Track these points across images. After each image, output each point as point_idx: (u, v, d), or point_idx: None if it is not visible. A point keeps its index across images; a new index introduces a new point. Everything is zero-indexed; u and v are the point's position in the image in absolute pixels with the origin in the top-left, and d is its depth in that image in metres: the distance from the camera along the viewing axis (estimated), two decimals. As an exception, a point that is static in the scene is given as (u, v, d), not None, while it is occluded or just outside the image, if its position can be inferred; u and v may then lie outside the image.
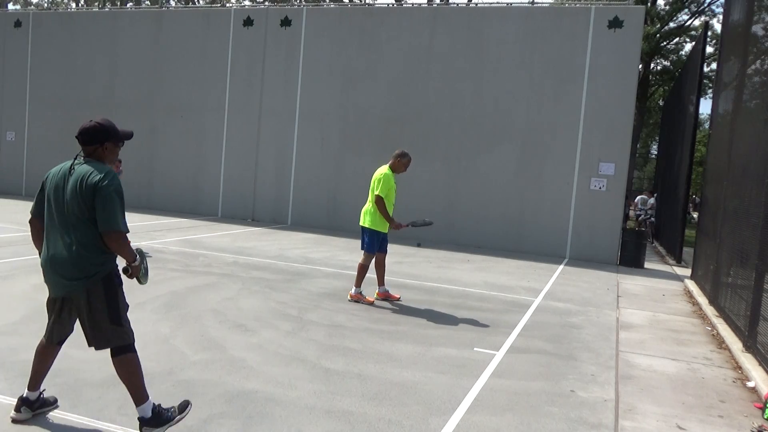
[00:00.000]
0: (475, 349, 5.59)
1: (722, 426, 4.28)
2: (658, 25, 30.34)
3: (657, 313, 8.01)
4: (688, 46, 32.64)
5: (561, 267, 11.41)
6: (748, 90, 8.02)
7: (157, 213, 15.19)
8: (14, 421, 3.46)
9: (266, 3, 18.34)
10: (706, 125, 30.92)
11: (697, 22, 31.89)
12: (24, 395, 3.52)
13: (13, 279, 6.97)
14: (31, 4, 39.53)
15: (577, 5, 13.36)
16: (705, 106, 77.70)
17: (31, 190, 17.71)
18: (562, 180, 12.82)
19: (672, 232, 15.41)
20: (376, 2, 18.80)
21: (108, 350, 3.37)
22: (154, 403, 3.43)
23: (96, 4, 36.56)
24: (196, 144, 15.79)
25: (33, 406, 3.51)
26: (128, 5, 32.13)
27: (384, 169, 7.13)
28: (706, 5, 31.08)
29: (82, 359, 4.52)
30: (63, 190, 3.25)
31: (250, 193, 15.34)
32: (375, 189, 7.06)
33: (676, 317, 7.87)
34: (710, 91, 21.52)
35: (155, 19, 16.43)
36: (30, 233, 3.49)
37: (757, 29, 7.89)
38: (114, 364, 3.36)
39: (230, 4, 16.94)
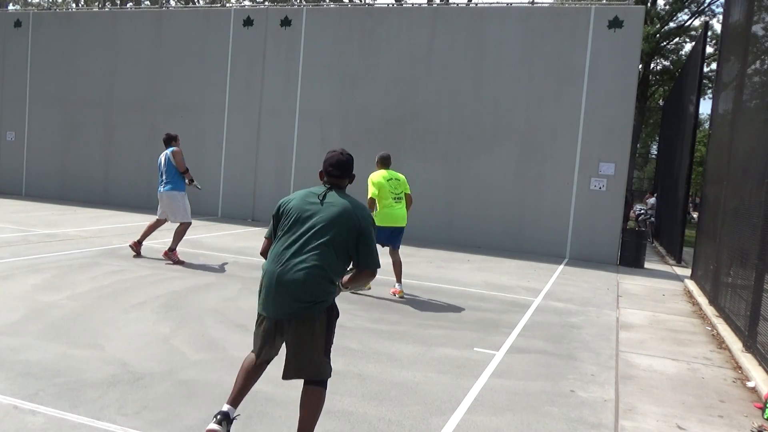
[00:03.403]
0: (475, 349, 5.59)
1: (722, 426, 4.28)
2: (658, 25, 30.33)
3: (657, 313, 8.01)
4: (688, 46, 32.65)
5: (561, 267, 11.41)
6: (748, 90, 8.02)
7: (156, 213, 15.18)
8: None
9: (266, 3, 18.33)
10: (706, 125, 30.91)
11: (697, 22, 31.92)
12: (225, 410, 3.25)
13: (13, 279, 6.97)
14: (31, 4, 39.51)
15: (577, 5, 13.35)
16: (705, 106, 77.69)
17: (31, 190, 17.72)
18: (562, 180, 12.81)
19: (672, 232, 15.41)
20: (376, 2, 18.81)
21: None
22: None
23: (96, 4, 36.55)
24: (196, 144, 15.77)
25: (230, 423, 3.26)
26: (128, 5, 32.13)
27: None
28: (706, 5, 31.10)
29: (82, 359, 4.52)
30: (317, 213, 3.16)
31: (250, 193, 15.33)
32: (407, 189, 7.67)
33: (676, 317, 7.87)
34: (710, 91, 21.51)
35: (155, 19, 16.42)
36: (263, 257, 3.40)
37: (757, 29, 7.89)
38: (304, 392, 3.19)
39: (230, 4, 16.92)
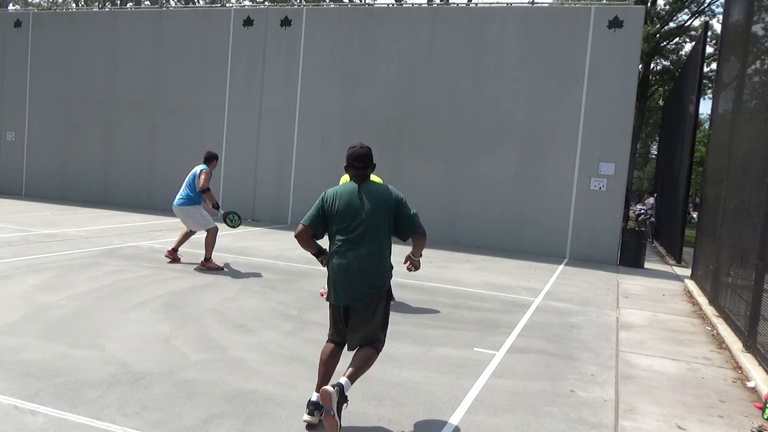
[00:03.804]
0: (475, 349, 5.59)
1: (722, 426, 4.28)
2: (658, 25, 30.33)
3: (657, 313, 8.01)
4: (688, 46, 32.65)
5: (561, 267, 11.41)
6: (748, 90, 8.02)
7: (157, 213, 15.19)
8: (309, 424, 3.58)
9: (266, 3, 18.33)
10: (706, 125, 30.91)
11: (697, 22, 31.92)
12: (314, 399, 3.64)
13: (13, 279, 6.97)
14: (31, 4, 39.50)
15: (577, 5, 13.35)
16: (705, 106, 77.66)
17: (32, 190, 17.72)
18: (562, 180, 12.81)
19: (672, 232, 15.41)
20: (376, 2, 18.81)
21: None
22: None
23: (96, 4, 36.55)
24: (196, 144, 15.76)
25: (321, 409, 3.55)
26: (128, 5, 32.13)
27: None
28: (706, 5, 31.09)
29: (82, 359, 4.52)
30: (361, 208, 3.71)
31: (250, 193, 15.33)
32: None
33: (676, 317, 7.87)
34: (710, 91, 21.51)
35: (155, 19, 16.42)
36: (297, 240, 3.85)
37: (757, 29, 7.89)
38: (361, 348, 3.74)
39: (230, 4, 16.93)
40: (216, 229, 8.72)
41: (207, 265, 8.47)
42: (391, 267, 3.82)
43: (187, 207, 8.64)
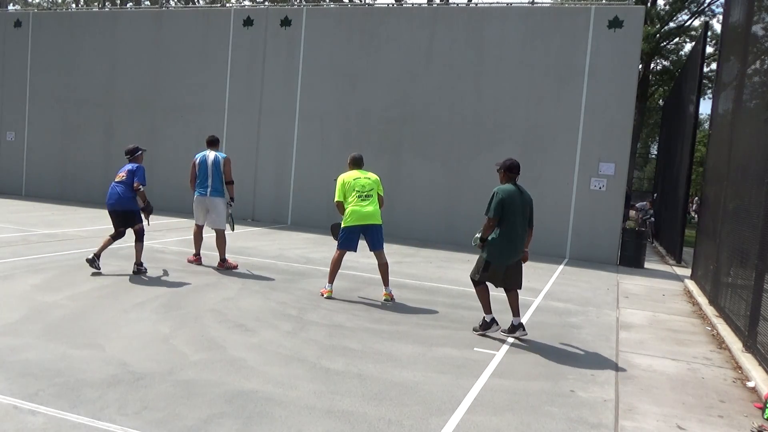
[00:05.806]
0: (475, 349, 5.59)
1: (722, 426, 4.28)
2: (658, 25, 30.32)
3: (657, 313, 8.01)
4: (688, 46, 32.63)
5: (561, 267, 11.40)
6: (748, 90, 8.02)
7: (157, 213, 15.15)
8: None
9: (266, 3, 18.32)
10: (706, 125, 30.88)
11: (697, 22, 31.88)
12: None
13: (13, 279, 6.97)
14: (31, 4, 39.49)
15: (577, 5, 13.35)
16: (705, 106, 77.56)
17: (31, 190, 17.72)
18: (562, 180, 12.81)
19: (672, 232, 15.41)
20: (376, 2, 18.81)
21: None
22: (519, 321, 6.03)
23: (96, 4, 36.54)
24: (196, 144, 15.69)
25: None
26: (128, 5, 32.11)
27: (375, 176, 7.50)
28: (706, 5, 31.06)
29: (82, 359, 4.53)
30: (521, 204, 5.88)
31: (250, 193, 15.33)
32: (380, 190, 7.32)
33: (676, 317, 7.87)
34: (710, 91, 21.51)
35: (155, 19, 16.42)
36: (489, 230, 5.97)
37: (757, 29, 7.89)
38: (511, 295, 5.97)
39: (230, 4, 16.94)
40: (224, 230, 8.67)
41: (226, 266, 8.52)
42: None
43: (221, 199, 8.50)
